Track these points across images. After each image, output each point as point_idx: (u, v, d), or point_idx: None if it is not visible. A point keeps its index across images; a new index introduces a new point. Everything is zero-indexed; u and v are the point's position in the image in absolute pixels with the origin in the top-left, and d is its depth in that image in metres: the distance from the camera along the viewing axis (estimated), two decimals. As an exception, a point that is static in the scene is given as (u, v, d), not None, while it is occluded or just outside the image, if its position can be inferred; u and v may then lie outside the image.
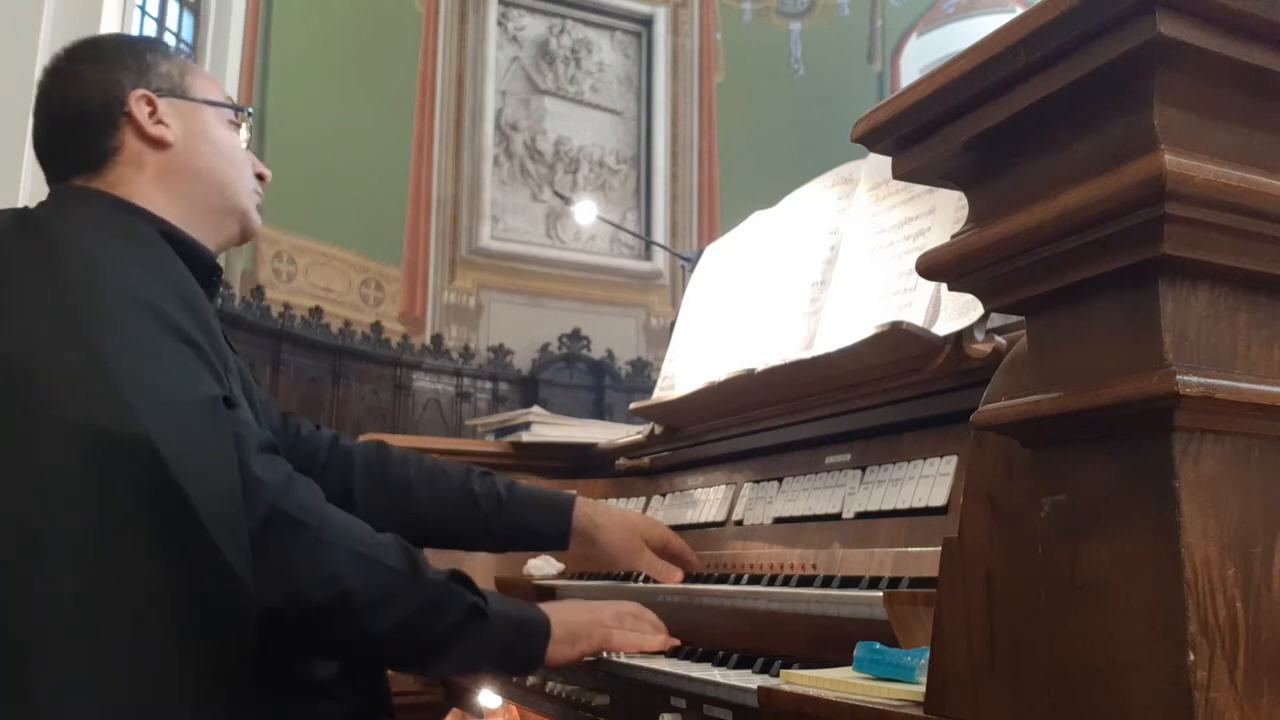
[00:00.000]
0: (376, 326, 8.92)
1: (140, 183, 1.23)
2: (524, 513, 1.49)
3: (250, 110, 1.39)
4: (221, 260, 1.33)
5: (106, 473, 0.94)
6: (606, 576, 1.67)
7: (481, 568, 1.85)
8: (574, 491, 1.55)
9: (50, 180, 1.28)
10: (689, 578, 1.46)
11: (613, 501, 1.88)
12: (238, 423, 1.02)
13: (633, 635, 1.24)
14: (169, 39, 8.07)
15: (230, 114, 1.35)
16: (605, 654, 1.24)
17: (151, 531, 0.94)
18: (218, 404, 1.01)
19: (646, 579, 1.52)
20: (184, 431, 0.97)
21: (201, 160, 1.28)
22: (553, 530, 1.50)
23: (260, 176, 1.38)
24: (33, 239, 1.09)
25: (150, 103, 1.26)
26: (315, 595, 1.01)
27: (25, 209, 1.16)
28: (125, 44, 1.32)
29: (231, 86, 8.29)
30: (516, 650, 1.16)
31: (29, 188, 5.33)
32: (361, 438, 2.22)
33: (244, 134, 1.37)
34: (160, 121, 1.26)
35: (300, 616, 1.01)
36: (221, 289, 6.62)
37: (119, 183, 1.23)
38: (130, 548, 0.94)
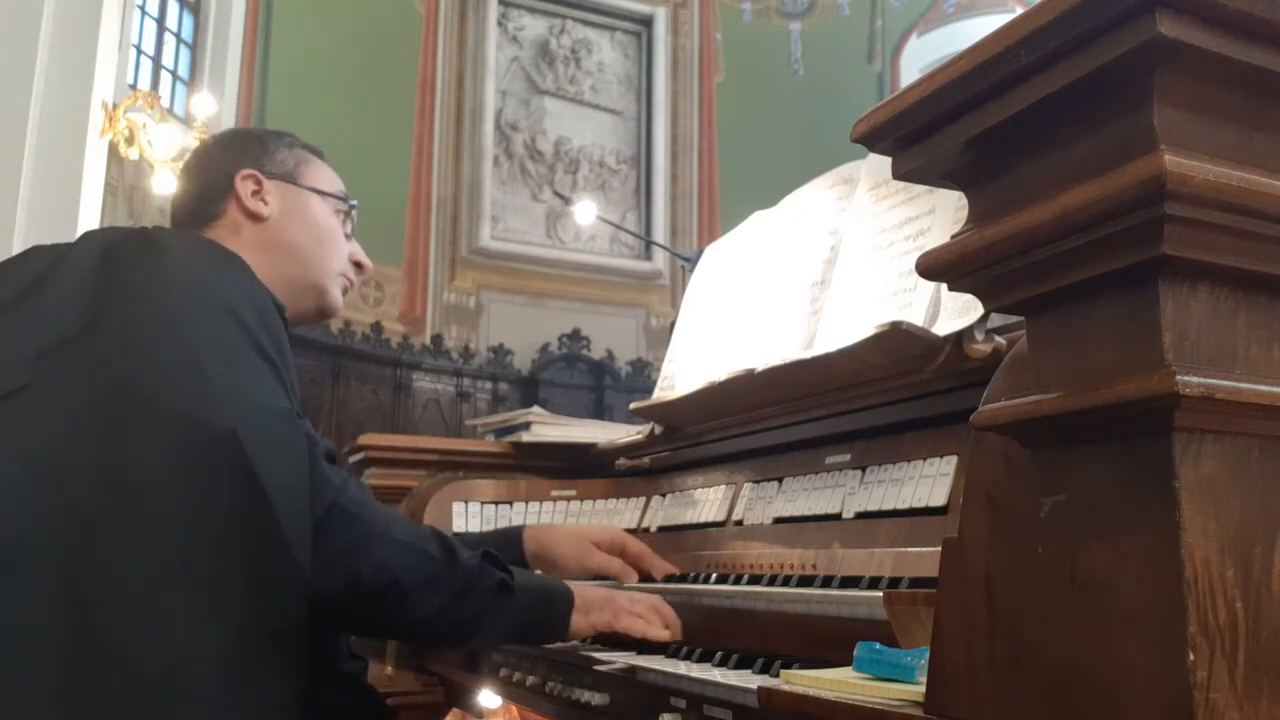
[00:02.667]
0: (376, 326, 8.92)
1: (235, 244, 1.36)
2: None
3: (355, 204, 1.52)
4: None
5: (195, 456, 1.07)
6: (605, 579, 1.66)
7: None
8: (522, 524, 1.64)
9: (172, 220, 1.47)
10: (688, 578, 1.46)
11: (613, 502, 1.88)
12: (309, 429, 1.16)
13: (639, 621, 1.30)
14: (169, 39, 8.07)
15: (336, 203, 1.49)
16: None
17: (228, 511, 1.06)
18: (292, 414, 1.15)
19: (642, 580, 1.53)
20: (264, 431, 1.10)
21: (290, 236, 1.43)
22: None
23: (359, 265, 1.52)
24: (149, 250, 1.24)
25: (257, 182, 1.42)
26: (369, 580, 1.14)
27: (145, 228, 1.34)
28: (256, 134, 1.53)
29: (232, 86, 8.30)
30: (544, 618, 1.28)
31: (29, 186, 5.33)
32: (360, 439, 2.23)
33: (349, 227, 1.51)
34: (261, 199, 1.41)
35: (355, 598, 1.15)
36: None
37: (217, 240, 1.37)
38: (209, 521, 1.06)
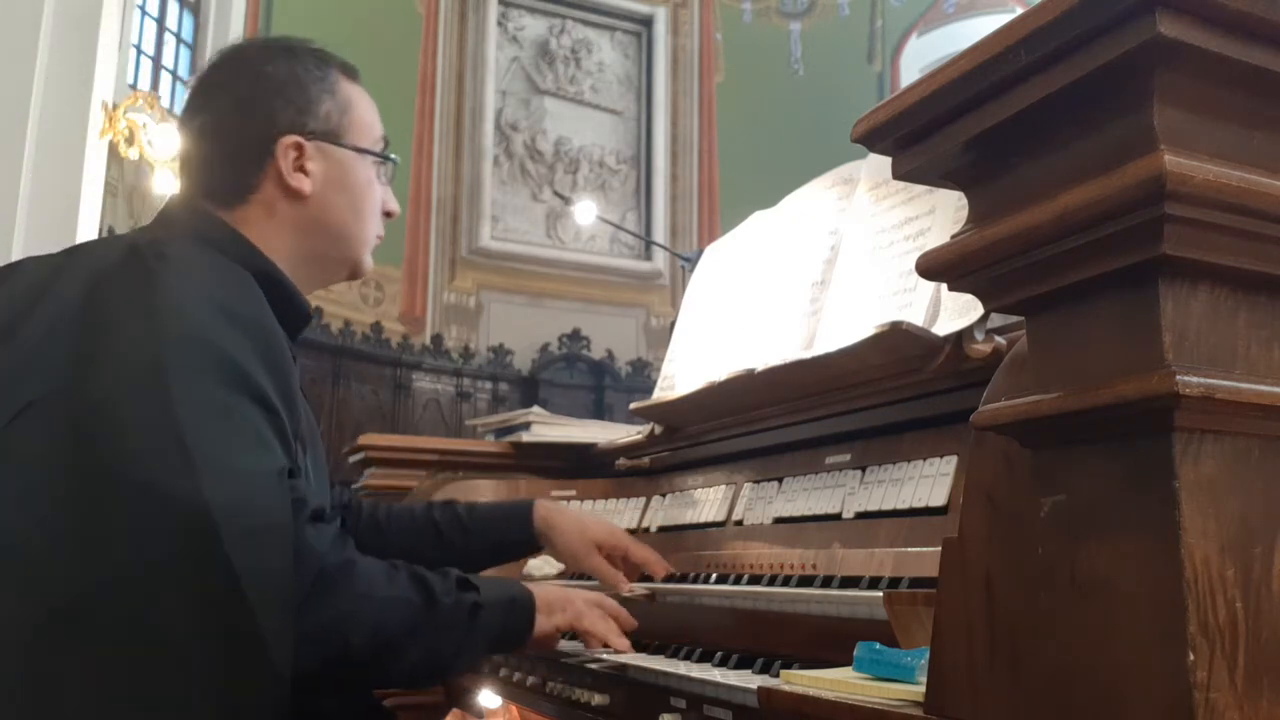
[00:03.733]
0: (376, 326, 8.92)
1: (266, 227, 1.25)
2: (486, 529, 1.55)
3: (397, 160, 1.39)
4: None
5: (160, 538, 0.97)
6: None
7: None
8: (534, 498, 1.60)
9: (185, 180, 1.29)
10: (688, 578, 1.46)
11: (613, 502, 1.88)
12: (299, 489, 1.06)
13: (602, 624, 1.28)
14: (169, 39, 8.06)
15: (377, 159, 1.35)
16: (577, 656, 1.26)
17: (202, 610, 0.97)
18: (282, 476, 1.04)
19: (642, 579, 1.53)
20: (244, 503, 0.99)
21: (331, 215, 1.30)
22: (516, 538, 1.56)
23: (388, 214, 1.39)
24: (140, 285, 1.09)
25: (299, 149, 1.26)
26: (363, 646, 1.08)
27: (138, 243, 1.15)
28: (295, 70, 1.30)
29: (231, 86, 8.28)
30: (511, 627, 1.23)
31: (28, 186, 5.33)
32: (360, 439, 2.23)
33: (385, 176, 1.37)
34: (302, 169, 1.27)
35: (347, 665, 1.08)
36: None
37: (244, 222, 1.25)
38: (182, 621, 0.97)
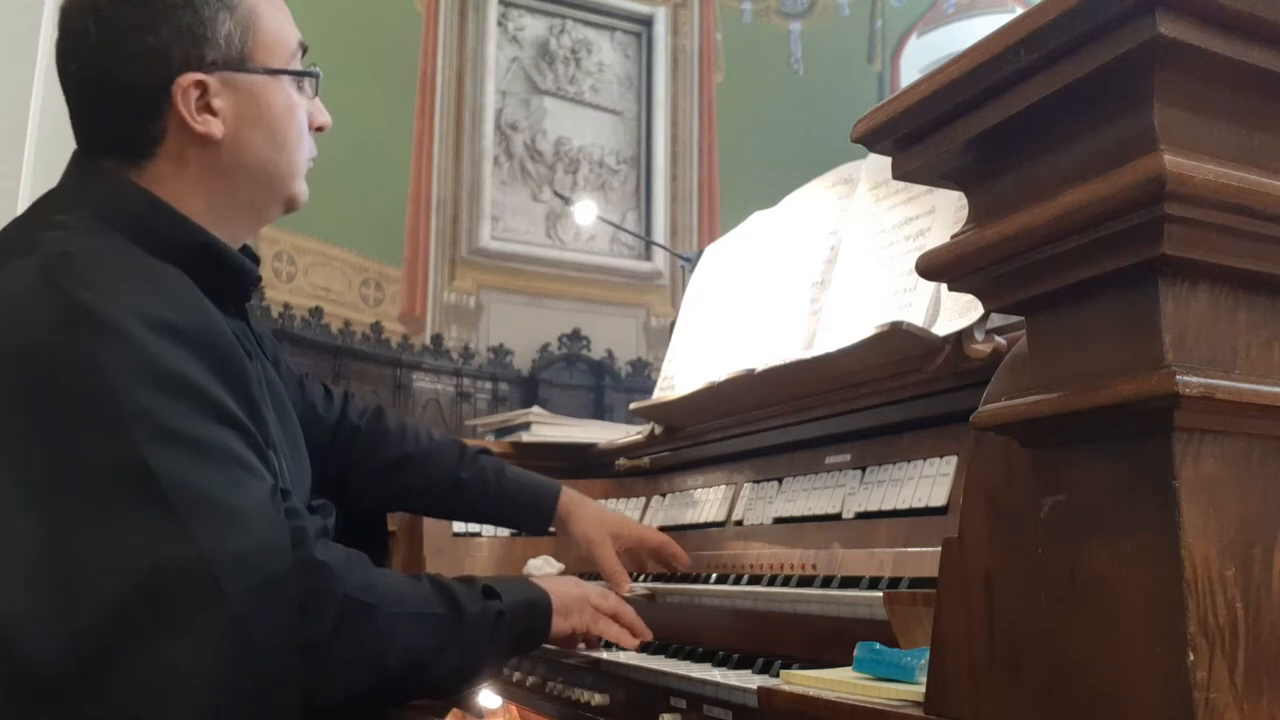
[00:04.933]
0: (376, 326, 8.92)
1: (180, 183, 1.10)
2: (505, 503, 1.56)
3: (318, 73, 1.21)
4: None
5: (155, 599, 0.90)
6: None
7: (481, 569, 1.85)
8: (559, 488, 1.60)
9: (79, 138, 1.13)
10: (688, 578, 1.46)
11: (613, 502, 1.88)
12: (296, 515, 0.99)
13: (614, 627, 1.30)
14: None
15: (296, 77, 1.18)
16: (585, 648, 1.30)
17: (200, 661, 0.90)
18: (275, 498, 0.97)
19: (643, 577, 1.53)
20: (241, 542, 0.92)
21: (250, 155, 1.13)
22: (531, 521, 1.59)
23: (319, 128, 1.23)
24: (64, 324, 0.94)
25: (201, 87, 1.08)
26: (397, 669, 1.03)
27: (48, 256, 0.97)
28: None
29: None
30: (531, 630, 1.22)
31: (28, 190, 5.32)
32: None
33: (309, 89, 1.21)
34: (208, 108, 1.09)
35: (387, 686, 1.04)
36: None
37: (156, 180, 1.09)
38: (173, 675, 0.90)
